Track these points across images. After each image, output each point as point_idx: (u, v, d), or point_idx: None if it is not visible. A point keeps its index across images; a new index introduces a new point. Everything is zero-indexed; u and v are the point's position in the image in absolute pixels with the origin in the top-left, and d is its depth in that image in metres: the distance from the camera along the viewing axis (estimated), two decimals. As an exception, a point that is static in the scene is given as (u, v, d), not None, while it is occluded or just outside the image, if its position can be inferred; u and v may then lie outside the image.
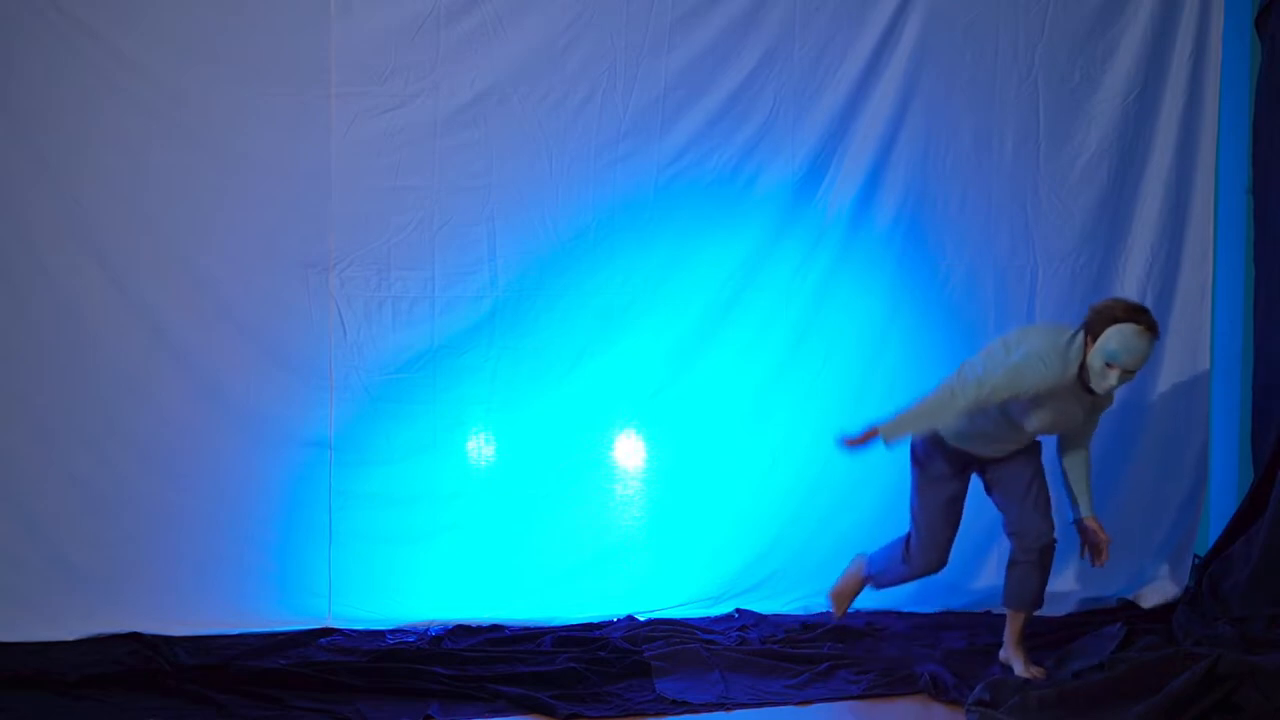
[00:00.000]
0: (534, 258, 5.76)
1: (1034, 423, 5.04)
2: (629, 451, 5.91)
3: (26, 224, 5.40)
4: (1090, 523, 5.19)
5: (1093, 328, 4.91)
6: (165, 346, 5.52)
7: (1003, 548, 6.05)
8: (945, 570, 5.99)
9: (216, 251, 5.54)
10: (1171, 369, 6.16)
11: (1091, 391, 4.99)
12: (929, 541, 5.27)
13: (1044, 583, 5.24)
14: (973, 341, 6.04)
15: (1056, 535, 5.21)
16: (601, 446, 5.89)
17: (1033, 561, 5.20)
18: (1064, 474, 5.26)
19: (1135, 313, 4.89)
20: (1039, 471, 5.24)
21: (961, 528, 5.89)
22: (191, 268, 5.53)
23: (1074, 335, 4.96)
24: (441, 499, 5.76)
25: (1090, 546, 5.21)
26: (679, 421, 5.92)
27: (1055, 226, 6.09)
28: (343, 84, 5.58)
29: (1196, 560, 6.14)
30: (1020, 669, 5.19)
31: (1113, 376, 4.89)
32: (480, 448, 5.79)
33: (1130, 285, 6.11)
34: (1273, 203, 6.00)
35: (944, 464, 5.23)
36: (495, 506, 5.82)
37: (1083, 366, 4.94)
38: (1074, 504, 5.25)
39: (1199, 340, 6.18)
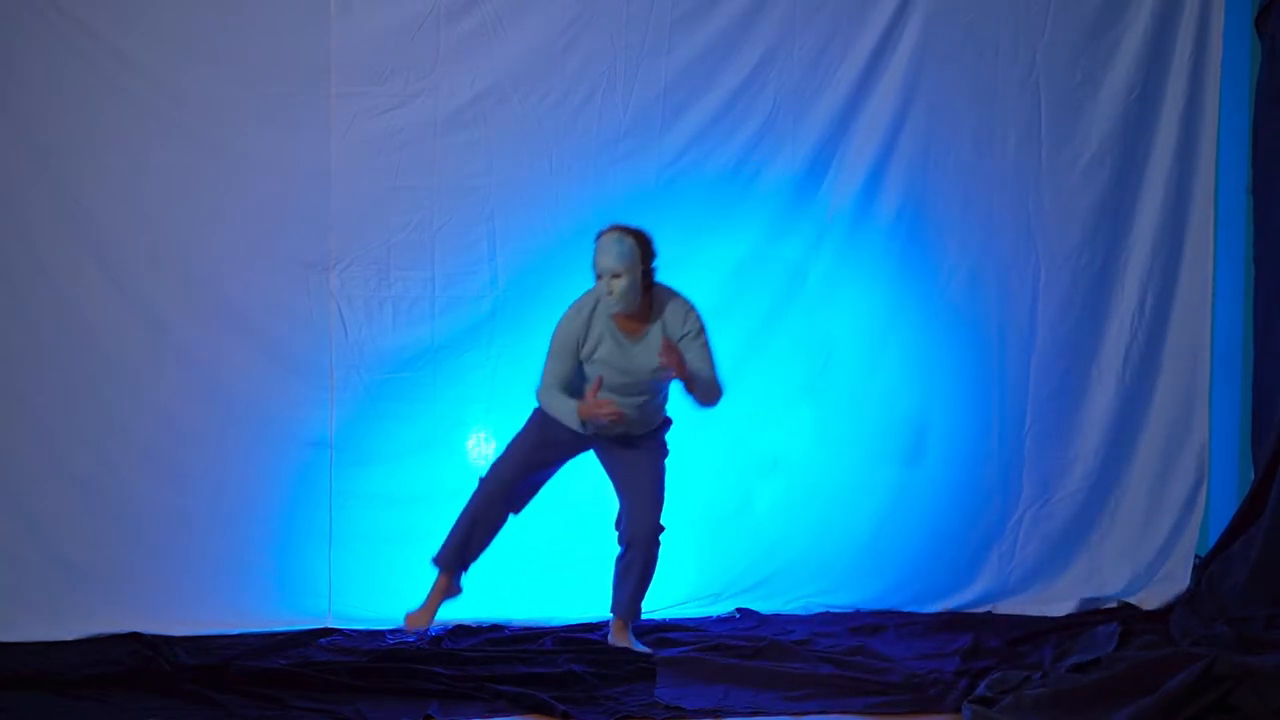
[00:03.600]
0: (534, 258, 5.77)
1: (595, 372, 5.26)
2: (629, 451, 5.91)
3: (26, 224, 5.42)
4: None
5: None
6: (166, 346, 5.53)
7: (1002, 549, 6.09)
8: (945, 571, 6.02)
9: (216, 251, 5.55)
10: (1171, 369, 6.15)
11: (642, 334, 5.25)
12: (497, 473, 5.43)
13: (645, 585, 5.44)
14: (975, 341, 6.06)
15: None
16: (601, 446, 5.89)
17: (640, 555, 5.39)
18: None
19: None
20: (661, 472, 5.45)
21: (961, 529, 5.91)
22: (191, 268, 5.54)
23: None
24: (442, 499, 5.74)
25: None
26: (679, 421, 5.91)
27: (1057, 226, 6.08)
28: (343, 84, 5.59)
29: (1197, 560, 6.13)
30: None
31: (602, 286, 5.17)
32: (480, 447, 5.80)
33: (1131, 285, 6.10)
34: (1273, 203, 5.99)
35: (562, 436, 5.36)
36: (495, 506, 5.82)
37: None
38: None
39: (1199, 340, 6.16)
